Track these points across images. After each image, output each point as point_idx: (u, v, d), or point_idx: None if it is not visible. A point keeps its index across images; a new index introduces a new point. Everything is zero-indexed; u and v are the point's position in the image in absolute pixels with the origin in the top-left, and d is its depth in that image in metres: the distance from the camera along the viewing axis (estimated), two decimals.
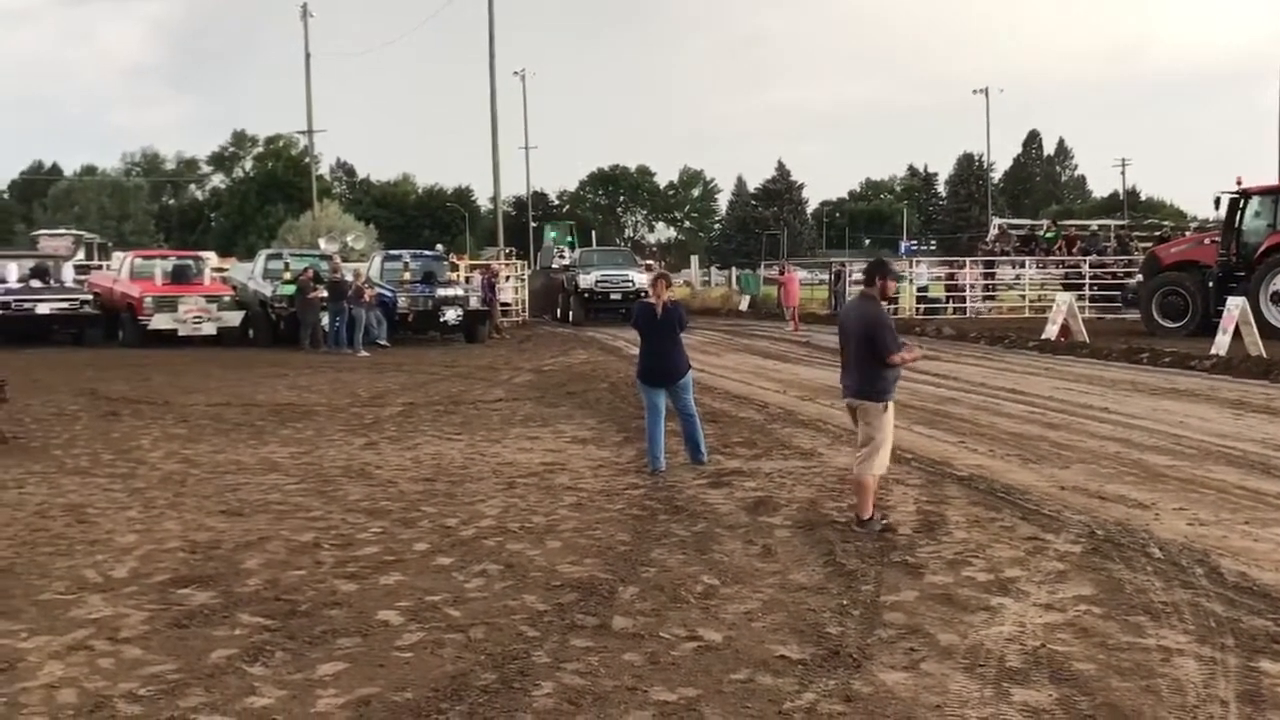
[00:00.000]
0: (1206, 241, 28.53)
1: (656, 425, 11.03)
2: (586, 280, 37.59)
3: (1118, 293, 34.55)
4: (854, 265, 46.18)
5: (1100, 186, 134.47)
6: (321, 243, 45.27)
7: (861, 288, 9.13)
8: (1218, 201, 27.16)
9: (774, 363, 23.24)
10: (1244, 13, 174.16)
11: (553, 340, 30.91)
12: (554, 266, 43.77)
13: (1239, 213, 26.55)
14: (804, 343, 29.16)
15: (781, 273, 40.78)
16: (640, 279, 37.84)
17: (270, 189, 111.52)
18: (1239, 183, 26.71)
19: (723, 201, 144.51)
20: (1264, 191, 26.81)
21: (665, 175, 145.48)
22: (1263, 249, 25.49)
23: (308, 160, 79.25)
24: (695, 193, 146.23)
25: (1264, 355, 20.16)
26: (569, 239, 50.14)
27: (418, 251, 34.80)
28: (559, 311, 40.09)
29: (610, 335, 30.94)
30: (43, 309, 27.81)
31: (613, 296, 37.04)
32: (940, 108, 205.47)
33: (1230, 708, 5.05)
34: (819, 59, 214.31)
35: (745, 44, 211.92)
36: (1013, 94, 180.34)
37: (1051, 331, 26.15)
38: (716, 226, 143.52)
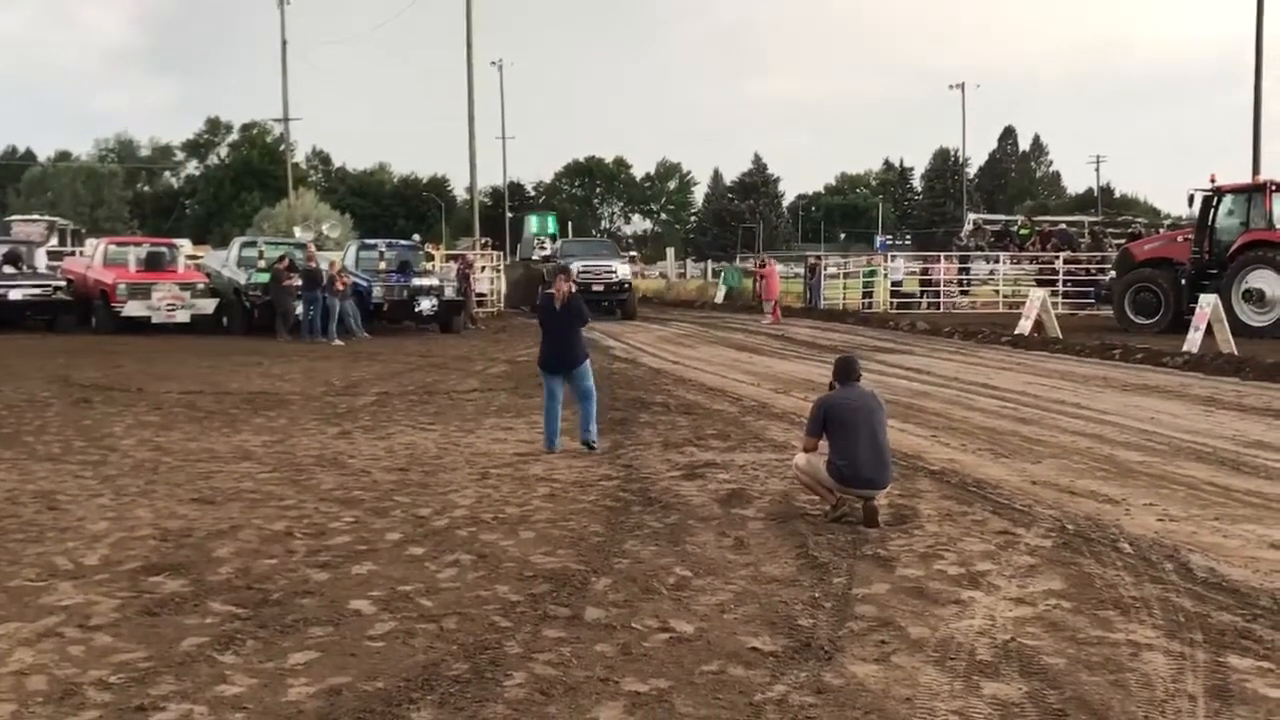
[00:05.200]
0: (1179, 239, 28.74)
1: (553, 409, 11.77)
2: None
3: (1091, 289, 34.73)
4: (829, 259, 46.37)
5: (1075, 183, 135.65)
6: (297, 231, 45.19)
7: (844, 383, 8.87)
8: (1191, 199, 27.37)
9: (749, 355, 23.26)
10: (1219, 12, 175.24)
11: (528, 331, 30.77)
12: (534, 258, 43.36)
13: (1212, 210, 26.73)
14: (779, 335, 29.19)
15: (761, 265, 40.79)
16: (624, 270, 37.51)
17: (245, 176, 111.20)
18: (1212, 180, 26.90)
19: (699, 194, 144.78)
20: (1237, 189, 27.00)
21: (642, 167, 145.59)
22: (1235, 247, 25.68)
23: (283, 148, 78.93)
24: (672, 185, 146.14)
25: (1235, 353, 20.29)
26: (551, 230, 49.68)
27: (393, 241, 34.70)
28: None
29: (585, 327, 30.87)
30: (15, 295, 27.60)
31: (595, 288, 35.61)
32: (917, 102, 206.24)
33: (1198, 702, 5.08)
34: (797, 52, 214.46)
35: (724, 36, 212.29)
36: (989, 89, 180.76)
37: (1025, 327, 26.26)
38: (693, 219, 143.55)
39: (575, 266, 36.53)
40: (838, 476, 8.51)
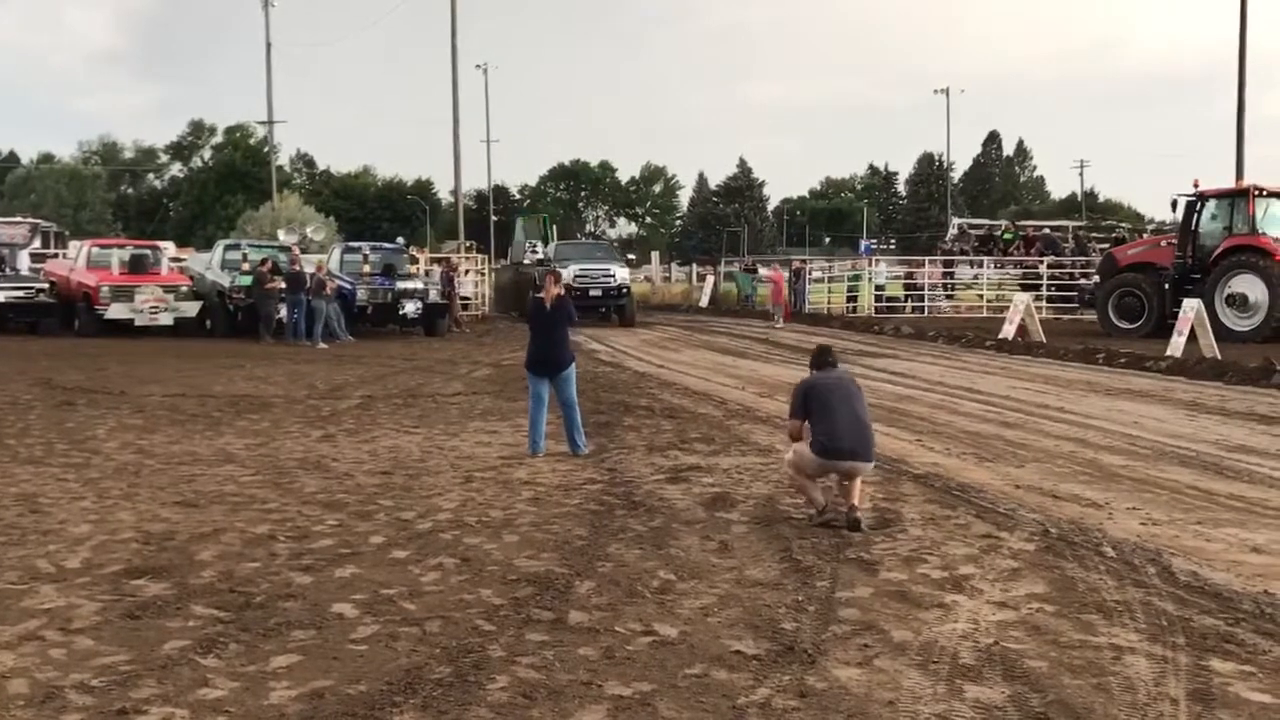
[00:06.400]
0: (1163, 243, 28.86)
1: (539, 412, 11.81)
2: (564, 276, 36.43)
3: (1075, 293, 34.81)
4: (814, 263, 46.45)
5: (1059, 187, 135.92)
6: (281, 234, 44.97)
7: (821, 368, 9.01)
8: (1174, 204, 27.47)
9: (733, 359, 23.28)
10: (1203, 18, 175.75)
11: (512, 335, 30.79)
12: (525, 261, 42.32)
13: (1195, 215, 26.83)
14: (763, 339, 29.20)
15: (752, 269, 40.93)
16: (622, 274, 36.07)
17: (229, 179, 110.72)
18: (1196, 185, 26.99)
19: (684, 198, 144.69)
20: (1220, 194, 27.11)
21: (627, 170, 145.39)
22: (1218, 252, 25.77)
23: (267, 150, 78.72)
24: (657, 189, 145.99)
25: (1218, 357, 20.35)
26: (543, 232, 48.80)
27: (377, 244, 34.52)
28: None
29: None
30: None
31: (592, 293, 33.89)
32: (901, 106, 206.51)
33: (1180, 706, 5.09)
34: (782, 56, 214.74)
35: (709, 40, 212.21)
36: (974, 94, 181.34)
37: (1009, 331, 26.32)
38: (678, 223, 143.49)
39: (571, 270, 35.26)
40: (820, 451, 8.52)
